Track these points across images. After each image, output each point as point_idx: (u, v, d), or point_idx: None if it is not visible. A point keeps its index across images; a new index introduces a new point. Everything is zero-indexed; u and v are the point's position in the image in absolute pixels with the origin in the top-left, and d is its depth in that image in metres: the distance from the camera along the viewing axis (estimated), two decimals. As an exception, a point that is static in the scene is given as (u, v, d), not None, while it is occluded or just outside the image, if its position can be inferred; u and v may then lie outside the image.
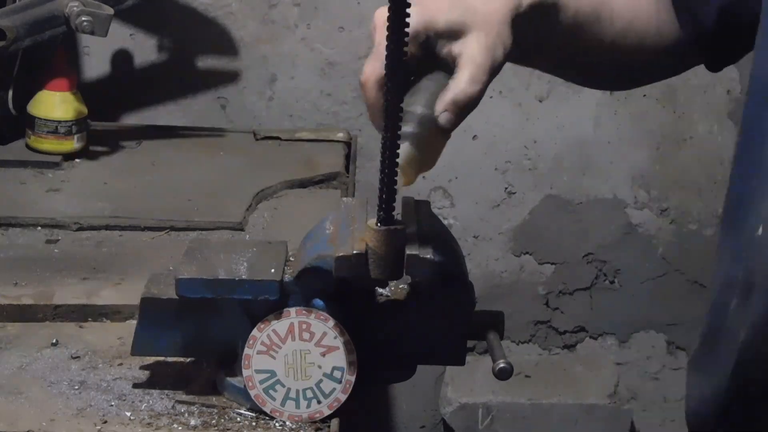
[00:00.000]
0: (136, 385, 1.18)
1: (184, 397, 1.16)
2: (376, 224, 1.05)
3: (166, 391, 1.16)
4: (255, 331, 1.10)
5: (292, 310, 1.09)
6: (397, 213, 1.07)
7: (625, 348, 2.39)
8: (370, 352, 1.12)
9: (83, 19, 1.64)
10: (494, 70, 1.04)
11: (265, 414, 1.12)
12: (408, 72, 1.04)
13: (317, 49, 2.16)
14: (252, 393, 1.11)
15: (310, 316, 1.09)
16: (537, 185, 2.27)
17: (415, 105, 1.04)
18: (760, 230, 1.03)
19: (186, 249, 1.16)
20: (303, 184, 1.79)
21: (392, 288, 1.13)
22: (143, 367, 1.20)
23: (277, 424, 1.11)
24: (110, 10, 1.67)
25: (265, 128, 2.04)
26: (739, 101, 2.21)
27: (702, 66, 1.26)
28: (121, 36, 2.11)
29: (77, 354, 1.24)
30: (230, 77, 2.16)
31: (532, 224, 2.30)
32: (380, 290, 1.13)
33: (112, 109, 2.13)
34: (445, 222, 2.21)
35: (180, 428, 1.11)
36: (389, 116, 1.00)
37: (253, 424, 1.11)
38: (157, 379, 1.19)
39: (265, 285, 1.09)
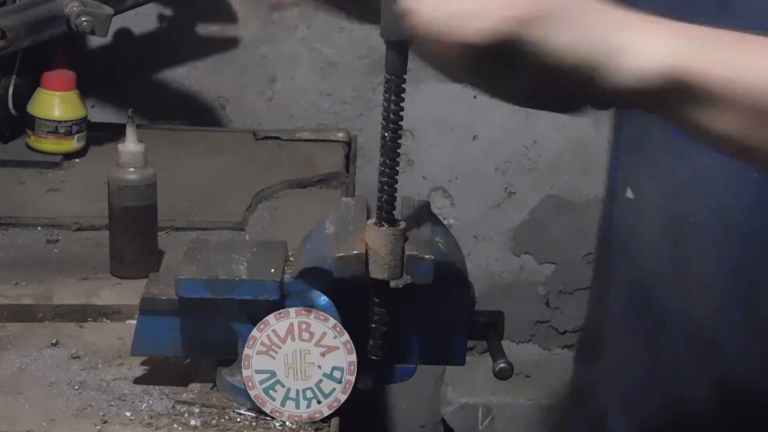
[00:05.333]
0: (136, 385, 1.18)
1: (184, 397, 1.16)
2: (376, 224, 1.05)
3: (166, 391, 1.16)
4: (255, 331, 1.10)
5: (292, 310, 1.09)
6: (397, 213, 1.07)
7: (625, 348, 2.40)
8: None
9: (83, 19, 1.63)
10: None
11: (265, 414, 1.12)
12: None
13: (317, 49, 2.16)
14: (252, 393, 1.11)
15: (310, 316, 1.09)
16: (537, 185, 2.27)
17: None
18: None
19: (186, 249, 1.17)
20: (303, 184, 1.79)
21: (392, 288, 1.13)
22: (143, 367, 1.20)
23: (277, 424, 1.11)
24: (110, 10, 1.67)
25: (265, 128, 2.04)
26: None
27: None
28: (122, 35, 2.11)
29: (77, 354, 1.24)
30: (230, 77, 2.16)
31: (532, 224, 2.30)
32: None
33: (112, 109, 2.13)
34: (445, 222, 2.21)
35: (180, 428, 1.10)
36: (389, 116, 1.00)
37: (253, 424, 1.11)
38: (157, 379, 1.19)
39: (265, 285, 1.09)
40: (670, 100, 0.82)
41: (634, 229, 1.21)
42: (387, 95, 0.99)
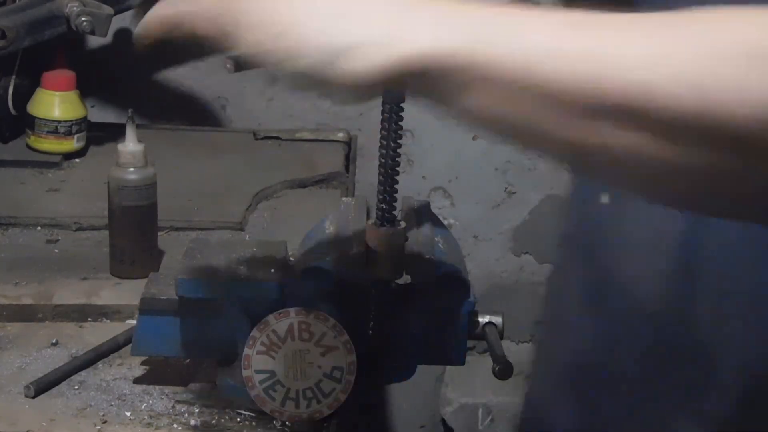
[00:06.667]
0: (136, 385, 1.18)
1: (184, 397, 1.16)
2: (376, 224, 1.05)
3: (166, 391, 1.16)
4: (255, 331, 1.10)
5: (292, 310, 1.09)
6: (397, 213, 1.07)
7: (625, 348, 2.39)
8: (371, 352, 1.12)
9: (83, 19, 1.63)
10: None
11: (265, 414, 1.12)
12: None
13: (317, 49, 2.15)
14: (252, 393, 1.11)
15: (310, 316, 1.09)
16: (537, 185, 2.27)
17: None
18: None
19: (186, 249, 1.17)
20: (303, 184, 1.79)
21: (392, 288, 1.13)
22: (143, 367, 1.20)
23: (277, 424, 1.11)
24: (110, 10, 1.67)
25: (265, 128, 2.04)
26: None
27: None
28: (122, 35, 2.11)
29: (77, 354, 1.24)
30: (230, 77, 2.16)
31: (532, 224, 2.30)
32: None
33: (112, 109, 2.13)
34: (445, 222, 2.21)
35: (180, 428, 1.11)
36: (389, 116, 1.00)
37: (253, 424, 1.12)
38: (157, 378, 1.19)
39: (265, 285, 1.09)
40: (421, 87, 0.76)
41: (606, 234, 1.20)
42: (386, 124, 1.00)
